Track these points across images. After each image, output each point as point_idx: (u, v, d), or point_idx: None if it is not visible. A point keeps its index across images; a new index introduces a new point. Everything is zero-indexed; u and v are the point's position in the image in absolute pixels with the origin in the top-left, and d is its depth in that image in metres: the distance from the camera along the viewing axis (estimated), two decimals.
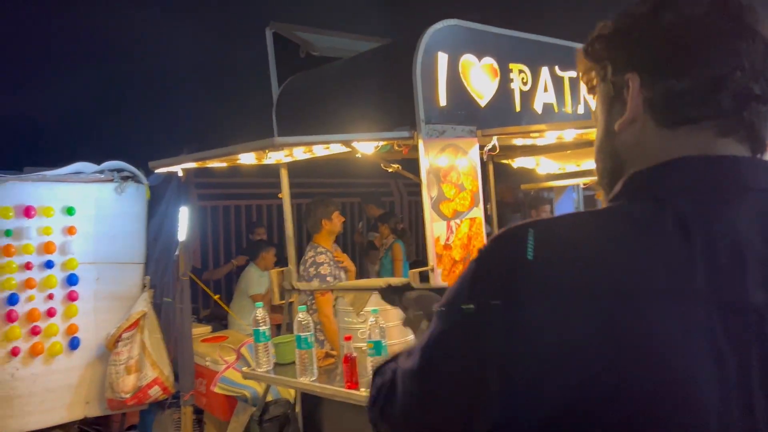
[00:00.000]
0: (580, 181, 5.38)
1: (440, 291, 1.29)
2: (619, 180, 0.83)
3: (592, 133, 3.50)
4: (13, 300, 4.04)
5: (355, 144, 2.99)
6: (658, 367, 0.68)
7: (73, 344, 4.29)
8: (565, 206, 5.90)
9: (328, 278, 4.14)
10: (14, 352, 4.05)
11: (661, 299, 0.69)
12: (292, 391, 3.81)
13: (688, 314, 0.69)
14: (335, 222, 4.38)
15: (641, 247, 0.73)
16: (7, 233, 4.03)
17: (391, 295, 1.39)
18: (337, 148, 3.18)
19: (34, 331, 4.13)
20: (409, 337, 2.85)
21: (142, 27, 7.00)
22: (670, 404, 0.67)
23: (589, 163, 4.86)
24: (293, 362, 3.19)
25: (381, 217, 6.98)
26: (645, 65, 0.80)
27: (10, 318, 4.03)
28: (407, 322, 1.30)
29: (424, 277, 3.12)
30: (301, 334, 3.03)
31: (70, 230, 4.27)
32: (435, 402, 0.80)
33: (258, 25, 4.08)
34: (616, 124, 0.83)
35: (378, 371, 1.00)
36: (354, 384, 2.89)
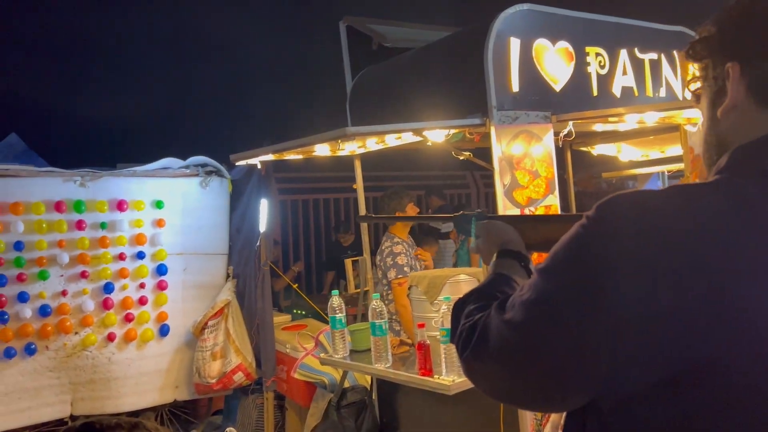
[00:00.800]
0: (665, 168, 5.16)
1: (511, 219, 1.34)
2: (723, 155, 0.86)
3: (676, 117, 3.37)
4: (108, 288, 4.31)
5: (426, 132, 3.00)
6: (756, 342, 0.70)
7: (163, 331, 4.52)
8: None
9: (405, 268, 4.17)
10: (110, 338, 4.32)
11: (763, 278, 0.71)
12: (369, 378, 3.88)
13: None
14: (409, 213, 4.40)
15: (746, 220, 0.74)
16: (103, 226, 4.29)
17: (463, 223, 1.44)
18: (408, 138, 3.20)
19: (128, 318, 4.38)
20: None
21: (221, 28, 7.27)
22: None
23: (675, 149, 4.65)
24: (369, 349, 3.25)
25: (458, 209, 6.95)
26: (744, 53, 0.84)
27: (106, 305, 4.30)
28: (476, 249, 1.35)
29: None
30: (376, 321, 3.08)
31: (160, 223, 4.50)
32: (535, 355, 0.83)
33: (331, 19, 4.16)
34: (719, 111, 0.87)
35: (460, 310, 1.03)
36: (428, 371, 2.91)
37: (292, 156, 3.77)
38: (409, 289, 3.48)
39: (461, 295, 1.10)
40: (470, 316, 0.98)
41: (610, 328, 0.74)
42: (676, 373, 0.71)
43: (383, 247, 4.34)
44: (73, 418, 4.23)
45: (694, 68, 0.94)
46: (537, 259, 1.33)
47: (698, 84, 0.94)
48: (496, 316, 0.90)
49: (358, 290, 3.96)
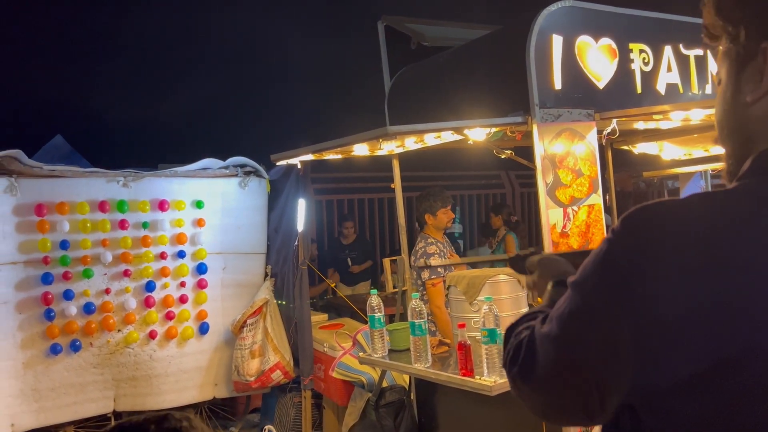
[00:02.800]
0: (709, 167, 5.03)
1: (564, 255, 1.36)
2: (747, 159, 0.81)
3: None
4: (150, 287, 4.39)
5: (466, 131, 2.98)
6: None
7: (203, 329, 4.59)
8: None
9: (439, 269, 4.14)
10: (152, 335, 4.40)
11: None
12: (407, 378, 3.87)
13: None
14: (440, 218, 4.29)
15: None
16: (144, 225, 4.37)
17: (518, 261, 1.47)
18: (448, 137, 3.18)
19: (169, 316, 4.46)
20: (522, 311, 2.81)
21: (261, 29, 7.35)
22: None
23: (719, 148, 4.53)
24: (407, 349, 3.23)
25: (494, 208, 6.91)
26: None
27: (147, 303, 4.38)
28: (532, 285, 1.37)
29: None
30: (416, 320, 3.07)
31: (200, 222, 4.56)
32: (572, 367, 0.86)
33: (370, 19, 4.17)
34: (749, 96, 0.80)
35: (511, 331, 1.06)
36: (469, 372, 2.88)
37: (331, 156, 3.79)
38: (447, 289, 3.45)
39: (514, 298, 1.12)
40: (518, 335, 1.01)
41: (640, 331, 0.76)
42: (706, 368, 0.72)
43: (417, 248, 4.31)
44: (115, 413, 4.32)
45: (717, 21, 0.82)
46: None
47: (720, 41, 0.84)
48: (538, 331, 0.93)
49: (396, 290, 3.95)
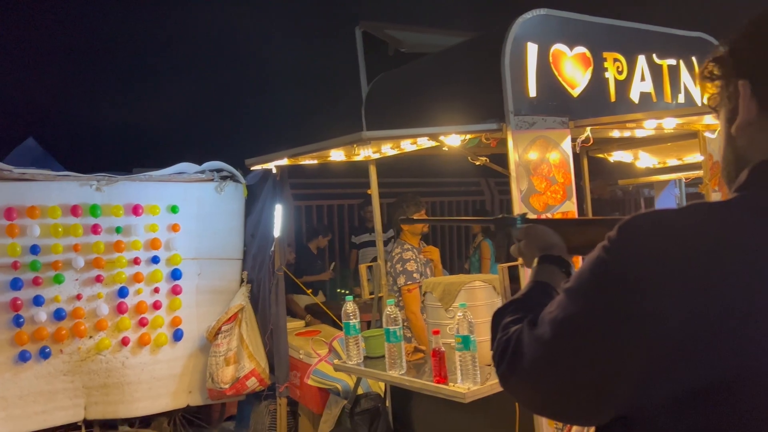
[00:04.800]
0: (682, 175, 5.10)
1: (553, 223, 1.35)
2: (743, 171, 0.86)
3: (695, 123, 3.32)
4: (123, 293, 4.32)
5: (442, 137, 2.98)
6: None
7: (177, 336, 4.52)
8: (665, 203, 5.60)
9: (415, 275, 4.14)
10: (124, 342, 4.33)
11: None
12: (383, 385, 3.85)
13: None
14: (414, 225, 4.31)
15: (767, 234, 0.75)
16: (118, 230, 4.31)
17: (504, 225, 1.46)
18: (424, 143, 3.18)
19: (142, 323, 4.39)
20: None
21: (237, 33, 7.32)
22: None
23: (693, 157, 4.59)
24: (383, 356, 3.22)
25: (474, 215, 6.95)
26: (754, 71, 0.86)
27: (120, 310, 4.31)
28: (518, 253, 1.35)
29: (514, 273, 3.06)
30: (390, 327, 3.05)
31: (174, 227, 4.51)
32: (563, 372, 0.86)
33: (347, 25, 4.16)
34: (733, 128, 0.89)
35: (499, 321, 1.07)
36: (443, 378, 2.87)
37: (307, 161, 3.77)
38: (423, 295, 3.45)
39: (492, 306, 1.12)
40: (506, 329, 1.01)
41: (635, 346, 0.76)
42: (701, 386, 0.72)
43: (393, 254, 4.31)
44: (86, 422, 4.24)
45: (711, 87, 0.96)
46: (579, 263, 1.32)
47: (716, 101, 0.96)
48: (528, 332, 0.93)
49: (372, 296, 3.93)
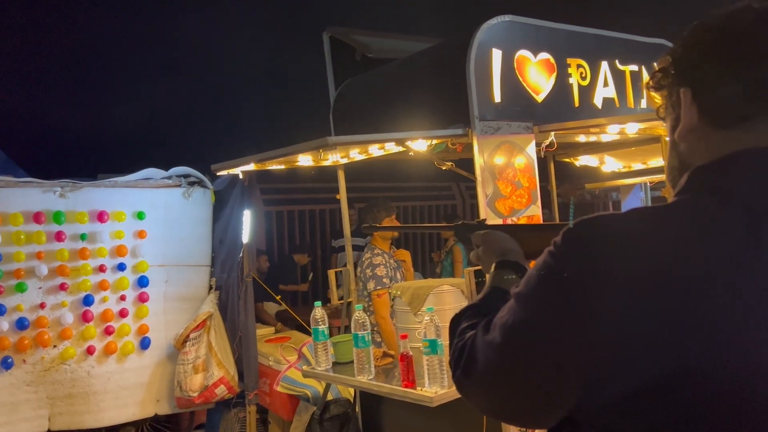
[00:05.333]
0: (647, 179, 5.19)
1: (510, 229, 1.36)
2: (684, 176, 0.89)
3: (657, 128, 3.39)
4: (88, 301, 4.24)
5: (408, 142, 3.00)
6: (725, 349, 0.72)
7: (144, 344, 4.45)
8: (631, 206, 5.69)
9: (384, 280, 4.14)
10: (90, 351, 4.25)
11: (725, 288, 0.74)
12: (353, 391, 3.84)
13: (754, 303, 0.73)
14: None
15: (705, 240, 0.77)
16: (83, 237, 4.23)
17: (464, 232, 1.47)
18: (391, 148, 3.19)
19: (108, 331, 4.31)
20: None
21: (204, 39, 7.26)
22: (742, 383, 0.72)
23: (657, 161, 4.68)
24: (352, 361, 3.22)
25: (447, 220, 7.00)
26: (693, 79, 0.89)
27: (85, 318, 4.23)
28: (476, 260, 1.37)
29: (481, 276, 3.08)
30: (359, 332, 3.05)
31: (141, 234, 4.44)
32: (514, 376, 0.88)
33: (315, 30, 4.16)
34: (676, 134, 0.92)
35: (455, 327, 1.08)
36: (411, 383, 2.88)
37: (274, 166, 3.76)
38: (392, 299, 3.45)
39: (458, 310, 1.14)
40: (462, 335, 1.02)
41: (583, 347, 0.77)
42: (645, 386, 0.74)
43: (363, 258, 4.31)
44: None
45: (658, 97, 1.00)
46: None
47: (663, 110, 0.99)
48: (481, 337, 0.94)
49: (342, 302, 3.93)
